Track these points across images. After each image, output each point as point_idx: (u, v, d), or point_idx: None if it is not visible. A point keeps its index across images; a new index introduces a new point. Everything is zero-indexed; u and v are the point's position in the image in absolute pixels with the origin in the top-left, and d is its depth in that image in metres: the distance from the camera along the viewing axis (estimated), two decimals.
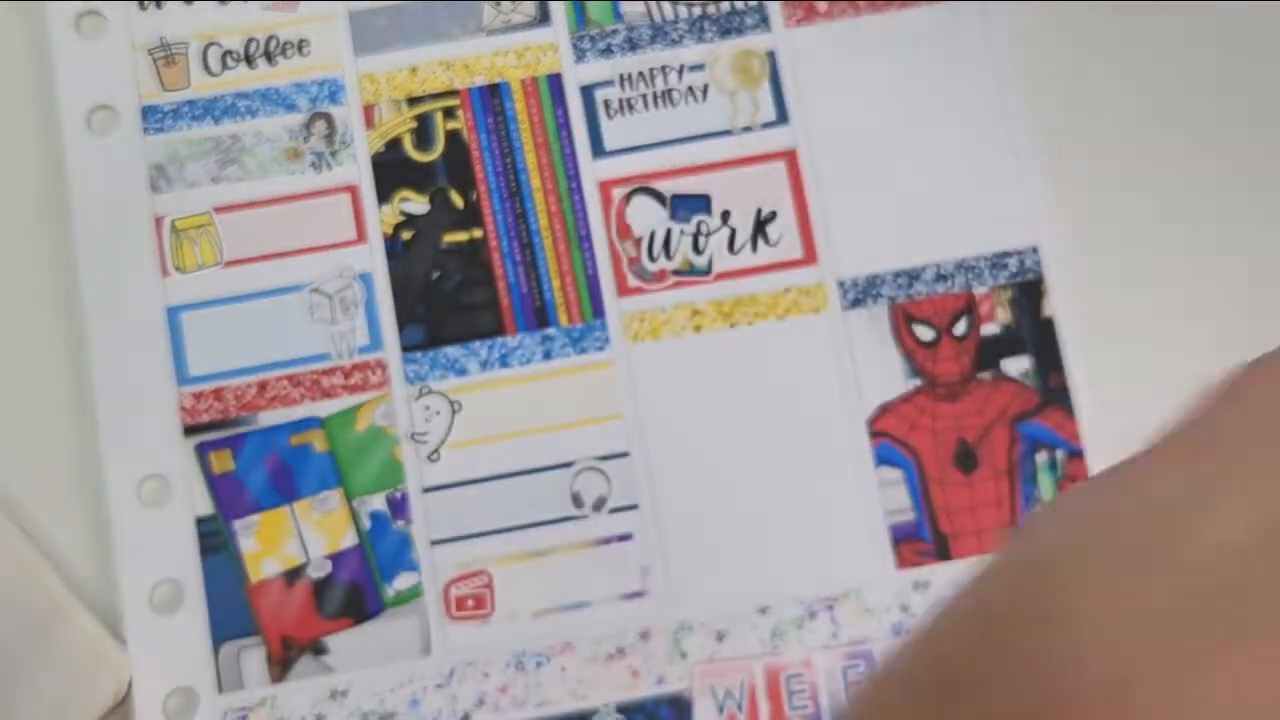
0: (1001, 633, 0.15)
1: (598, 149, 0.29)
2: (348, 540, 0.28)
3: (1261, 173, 0.30)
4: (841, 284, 0.29)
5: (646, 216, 0.29)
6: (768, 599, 0.28)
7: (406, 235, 0.29)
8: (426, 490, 0.28)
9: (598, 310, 0.29)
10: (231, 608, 0.27)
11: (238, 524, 0.28)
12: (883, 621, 0.27)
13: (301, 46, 0.30)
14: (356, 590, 0.28)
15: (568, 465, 0.28)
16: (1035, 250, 0.29)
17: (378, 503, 0.28)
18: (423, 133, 0.29)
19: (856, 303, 0.29)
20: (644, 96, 0.29)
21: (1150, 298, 0.29)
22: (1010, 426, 0.28)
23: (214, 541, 0.28)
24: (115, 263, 0.29)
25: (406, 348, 0.29)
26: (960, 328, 0.29)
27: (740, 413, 0.28)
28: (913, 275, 0.29)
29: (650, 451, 0.28)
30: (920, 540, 0.28)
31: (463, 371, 0.28)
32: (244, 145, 0.29)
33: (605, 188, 0.29)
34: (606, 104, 0.29)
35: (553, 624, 0.28)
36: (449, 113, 0.29)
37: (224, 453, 0.28)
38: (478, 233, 0.29)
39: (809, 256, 0.29)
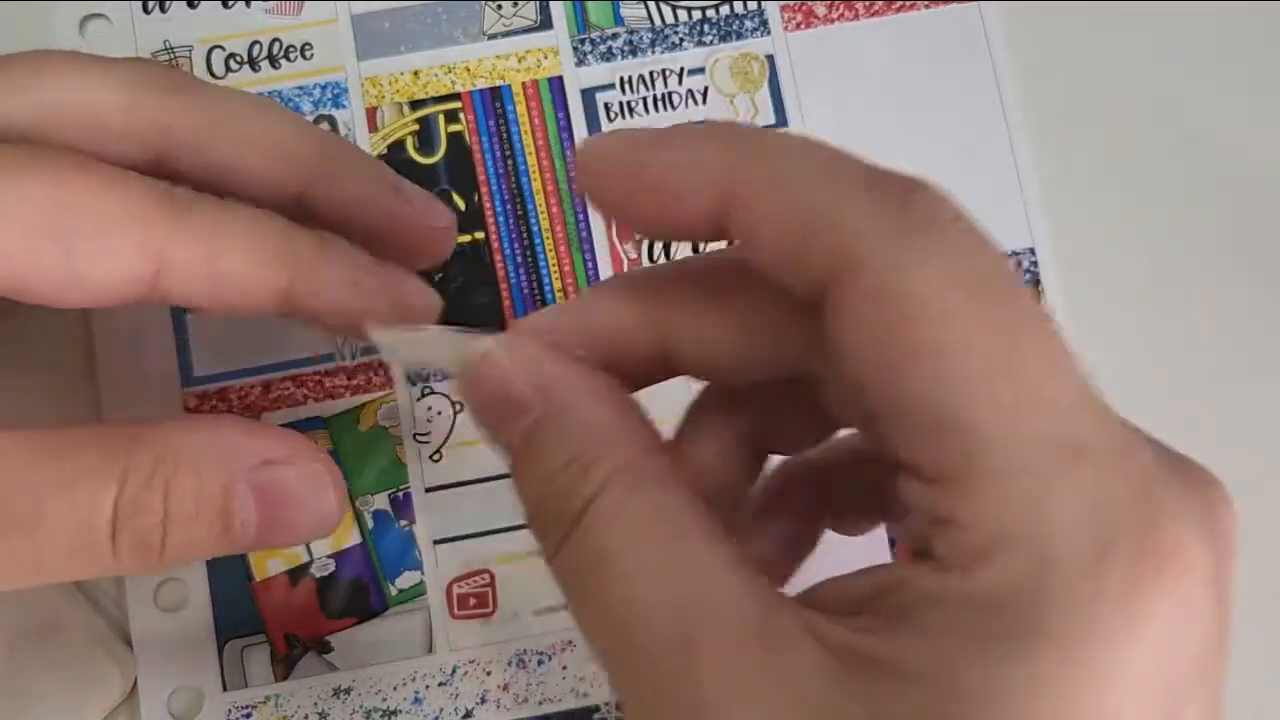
0: None
1: None
2: (351, 539, 0.28)
3: (1262, 173, 0.30)
4: None
5: None
6: None
7: None
8: (429, 490, 0.28)
9: None
10: (236, 607, 0.28)
11: None
12: None
13: (305, 50, 0.30)
14: (360, 589, 0.28)
15: None
16: (1032, 252, 0.29)
17: (381, 502, 0.28)
18: (425, 135, 0.30)
19: None
20: (644, 99, 0.30)
21: (1147, 299, 0.29)
22: None
23: None
24: None
25: None
26: None
27: None
28: None
29: None
30: None
31: None
32: None
33: None
34: (607, 107, 0.30)
35: (554, 622, 0.28)
36: (451, 116, 0.30)
37: None
38: (480, 235, 0.29)
39: None
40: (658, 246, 0.29)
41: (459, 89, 0.30)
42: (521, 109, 0.30)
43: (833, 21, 0.30)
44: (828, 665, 0.15)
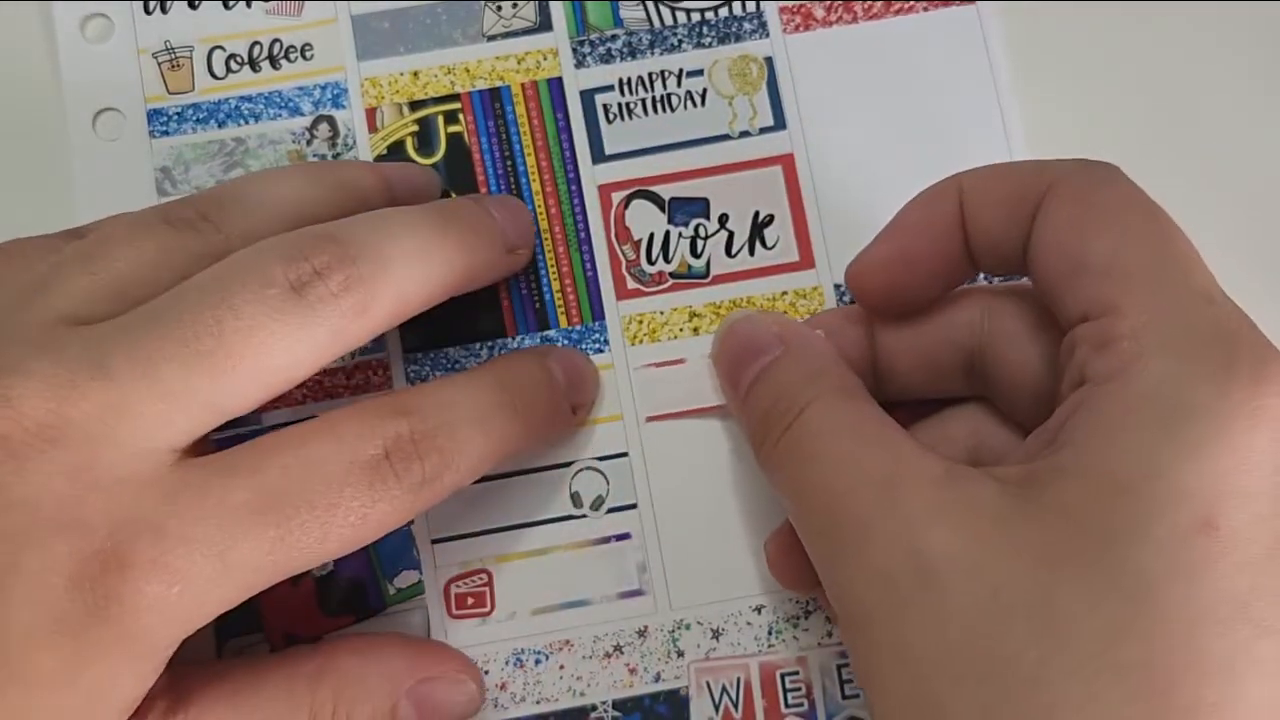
0: None
1: (597, 153, 0.30)
2: None
3: (1265, 174, 0.30)
4: (838, 287, 0.29)
5: (645, 220, 0.29)
6: (763, 598, 0.28)
7: None
8: None
9: (597, 312, 0.29)
10: (236, 606, 0.28)
11: None
12: None
13: (305, 51, 0.30)
14: (359, 588, 0.28)
15: (567, 465, 0.28)
16: None
17: None
18: (424, 136, 0.30)
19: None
20: (643, 101, 0.30)
21: None
22: None
23: None
24: None
25: (408, 349, 0.29)
26: None
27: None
28: None
29: (649, 452, 0.28)
30: None
31: None
32: (248, 148, 0.30)
33: (605, 191, 0.29)
34: (606, 109, 0.30)
35: (551, 622, 0.28)
36: (450, 116, 0.30)
37: None
38: None
39: (806, 260, 0.29)
40: (656, 248, 0.29)
41: (458, 90, 0.30)
42: (521, 110, 0.30)
43: (831, 24, 0.30)
44: (1005, 491, 0.19)
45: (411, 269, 0.23)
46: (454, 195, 0.29)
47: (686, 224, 0.29)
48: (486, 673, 0.28)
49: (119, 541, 0.20)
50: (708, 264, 0.29)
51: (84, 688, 0.20)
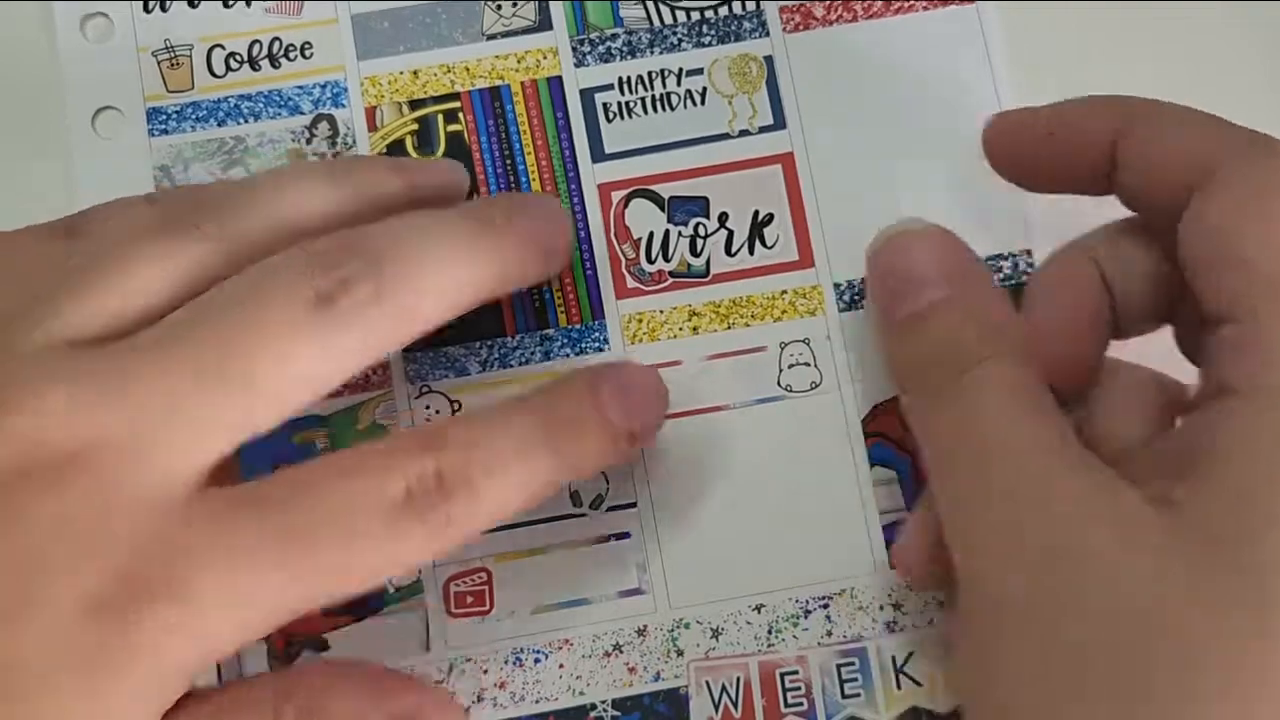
0: None
1: (597, 152, 0.30)
2: None
3: None
4: (838, 286, 0.29)
5: (645, 219, 0.29)
6: (763, 597, 0.28)
7: None
8: None
9: (596, 312, 0.29)
10: None
11: None
12: (876, 619, 0.28)
13: (305, 50, 0.30)
14: None
15: None
16: (1029, 253, 0.29)
17: None
18: (424, 135, 0.30)
19: (853, 305, 0.29)
20: (643, 100, 0.30)
21: None
22: None
23: None
24: None
25: (407, 348, 0.29)
26: None
27: (736, 414, 0.29)
28: None
29: (648, 451, 0.28)
30: None
31: (463, 371, 0.29)
32: (248, 147, 0.30)
33: (604, 190, 0.29)
34: (606, 108, 0.30)
35: (551, 621, 0.28)
36: (450, 115, 0.30)
37: None
38: None
39: (805, 259, 0.29)
40: (655, 247, 0.29)
41: (458, 89, 0.30)
42: (521, 109, 0.30)
43: (831, 23, 0.30)
44: (1149, 502, 0.19)
45: (441, 276, 0.22)
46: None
47: (686, 223, 0.29)
48: (485, 672, 0.28)
49: (137, 569, 0.19)
50: (707, 263, 0.29)
51: (98, 716, 0.19)
